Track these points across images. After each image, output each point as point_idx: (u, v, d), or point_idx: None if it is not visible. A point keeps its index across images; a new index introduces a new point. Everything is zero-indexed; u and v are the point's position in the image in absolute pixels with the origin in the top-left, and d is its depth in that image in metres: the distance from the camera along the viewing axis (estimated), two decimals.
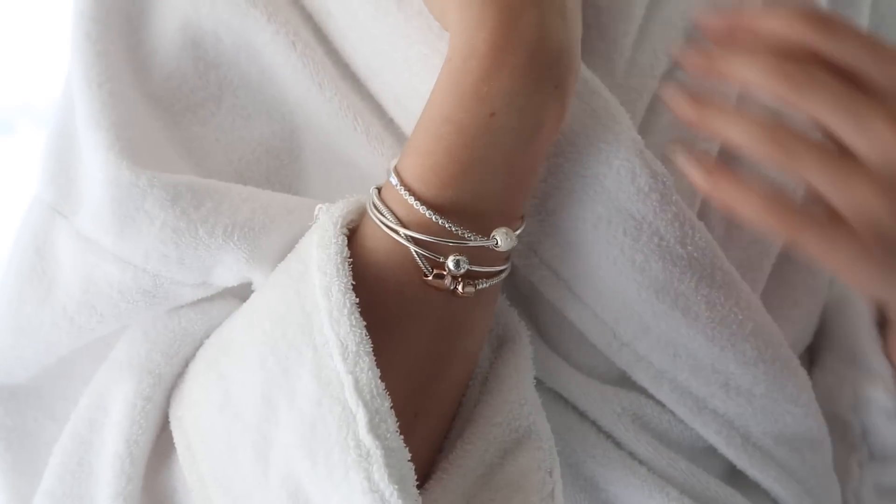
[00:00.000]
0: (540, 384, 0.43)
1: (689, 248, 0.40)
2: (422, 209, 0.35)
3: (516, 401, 0.39)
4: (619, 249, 0.40)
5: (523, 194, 0.38)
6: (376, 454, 0.32)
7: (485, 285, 0.37)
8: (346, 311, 0.34)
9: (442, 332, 0.37)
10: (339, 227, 0.36)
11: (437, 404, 0.38)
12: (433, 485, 0.37)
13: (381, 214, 0.36)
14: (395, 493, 0.32)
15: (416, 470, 0.34)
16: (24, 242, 0.44)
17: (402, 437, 0.33)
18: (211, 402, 0.38)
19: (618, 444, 0.43)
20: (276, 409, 0.35)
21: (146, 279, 0.41)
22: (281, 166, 0.45)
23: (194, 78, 0.45)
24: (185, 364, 0.42)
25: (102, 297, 0.42)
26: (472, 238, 0.36)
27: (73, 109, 0.44)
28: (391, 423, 0.33)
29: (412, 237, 0.35)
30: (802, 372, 0.43)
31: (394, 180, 0.36)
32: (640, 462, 0.43)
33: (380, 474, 0.32)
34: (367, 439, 0.32)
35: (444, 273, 0.36)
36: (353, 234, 0.37)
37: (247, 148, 0.45)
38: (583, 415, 0.43)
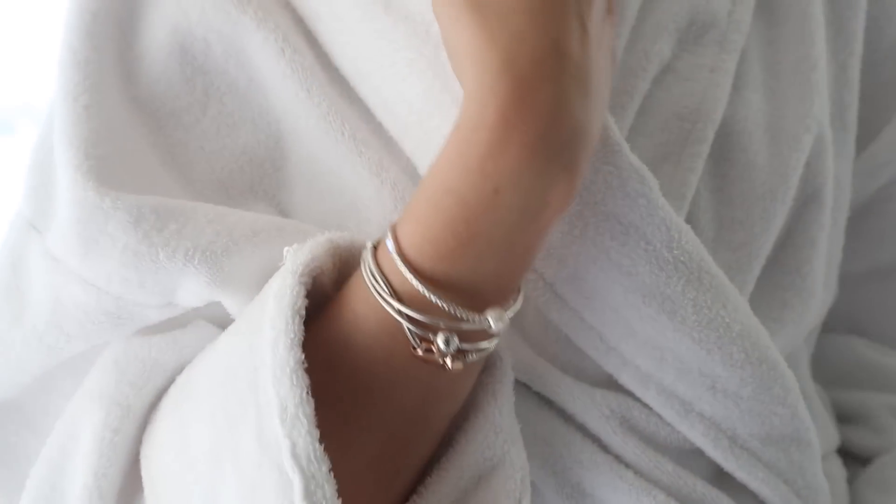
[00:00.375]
0: (526, 389, 0.43)
1: (676, 252, 0.40)
2: (415, 282, 0.34)
3: (491, 429, 0.38)
4: (605, 254, 0.40)
5: (522, 272, 0.36)
6: None
7: (474, 358, 0.36)
8: (288, 370, 0.32)
9: (428, 400, 0.36)
10: (298, 275, 0.34)
11: (417, 459, 0.38)
12: None
13: (376, 280, 0.35)
14: None
15: None
16: (3, 258, 0.44)
17: (340, 500, 0.31)
18: (172, 447, 0.38)
19: (604, 448, 0.43)
20: (222, 465, 0.34)
21: (109, 301, 0.41)
22: (265, 175, 0.45)
23: (180, 83, 0.44)
24: (157, 395, 0.41)
25: (69, 318, 0.42)
26: (464, 318, 0.34)
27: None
28: (328, 489, 0.31)
29: (405, 314, 0.34)
30: (790, 373, 0.43)
31: (390, 245, 0.35)
32: (627, 465, 0.43)
33: None
34: None
35: (434, 349, 0.34)
36: (343, 293, 0.36)
37: (230, 157, 0.44)
38: (569, 419, 0.43)
